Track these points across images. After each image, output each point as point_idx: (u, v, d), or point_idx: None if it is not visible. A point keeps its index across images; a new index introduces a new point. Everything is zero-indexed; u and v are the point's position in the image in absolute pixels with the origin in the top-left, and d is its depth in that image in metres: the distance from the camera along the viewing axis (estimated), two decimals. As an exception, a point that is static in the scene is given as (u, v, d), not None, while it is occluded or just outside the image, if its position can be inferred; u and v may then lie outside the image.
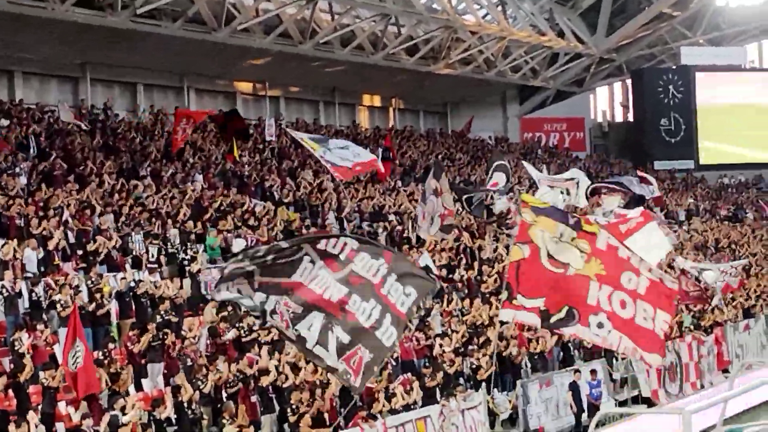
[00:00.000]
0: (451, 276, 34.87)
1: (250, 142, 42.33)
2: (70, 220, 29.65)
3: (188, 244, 30.60)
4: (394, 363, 27.23)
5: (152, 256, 29.60)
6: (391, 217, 39.40)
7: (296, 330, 13.81)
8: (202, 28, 42.13)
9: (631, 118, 71.12)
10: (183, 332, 25.18)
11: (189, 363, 24.46)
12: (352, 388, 14.27)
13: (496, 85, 60.97)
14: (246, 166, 40.28)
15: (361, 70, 51.16)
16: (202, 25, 42.10)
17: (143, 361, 24.40)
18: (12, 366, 22.00)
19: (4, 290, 24.66)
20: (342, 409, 24.79)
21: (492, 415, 27.92)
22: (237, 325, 26.10)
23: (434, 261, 33.61)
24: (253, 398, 23.70)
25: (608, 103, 73.35)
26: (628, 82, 69.92)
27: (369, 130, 54.78)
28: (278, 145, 45.09)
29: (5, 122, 36.26)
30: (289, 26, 44.89)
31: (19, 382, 21.52)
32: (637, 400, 32.69)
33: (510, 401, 28.46)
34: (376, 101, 59.14)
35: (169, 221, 31.93)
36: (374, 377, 19.21)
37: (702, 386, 35.31)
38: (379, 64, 50.21)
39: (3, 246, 26.65)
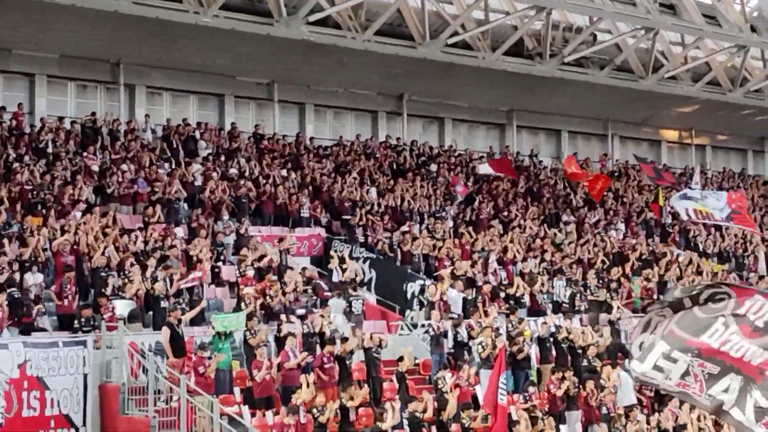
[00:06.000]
0: None
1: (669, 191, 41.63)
2: (493, 264, 30.34)
3: (609, 291, 30.45)
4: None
5: (571, 302, 29.66)
6: None
7: (709, 395, 13.24)
8: (628, 76, 42.01)
9: None
10: (602, 381, 24.93)
11: (606, 412, 24.23)
12: None
13: None
14: (670, 215, 39.66)
15: (792, 119, 49.03)
16: (628, 72, 42.00)
17: (562, 407, 24.36)
18: (436, 404, 22.60)
19: (431, 329, 25.45)
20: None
21: None
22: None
23: None
24: (673, 452, 23.17)
25: None
26: None
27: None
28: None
29: (434, 167, 37.64)
30: (718, 73, 43.91)
31: (442, 421, 22.08)
32: None
33: None
34: (809, 151, 56.43)
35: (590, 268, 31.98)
36: None
37: None
38: (815, 112, 47.93)
39: (429, 287, 27.61)
